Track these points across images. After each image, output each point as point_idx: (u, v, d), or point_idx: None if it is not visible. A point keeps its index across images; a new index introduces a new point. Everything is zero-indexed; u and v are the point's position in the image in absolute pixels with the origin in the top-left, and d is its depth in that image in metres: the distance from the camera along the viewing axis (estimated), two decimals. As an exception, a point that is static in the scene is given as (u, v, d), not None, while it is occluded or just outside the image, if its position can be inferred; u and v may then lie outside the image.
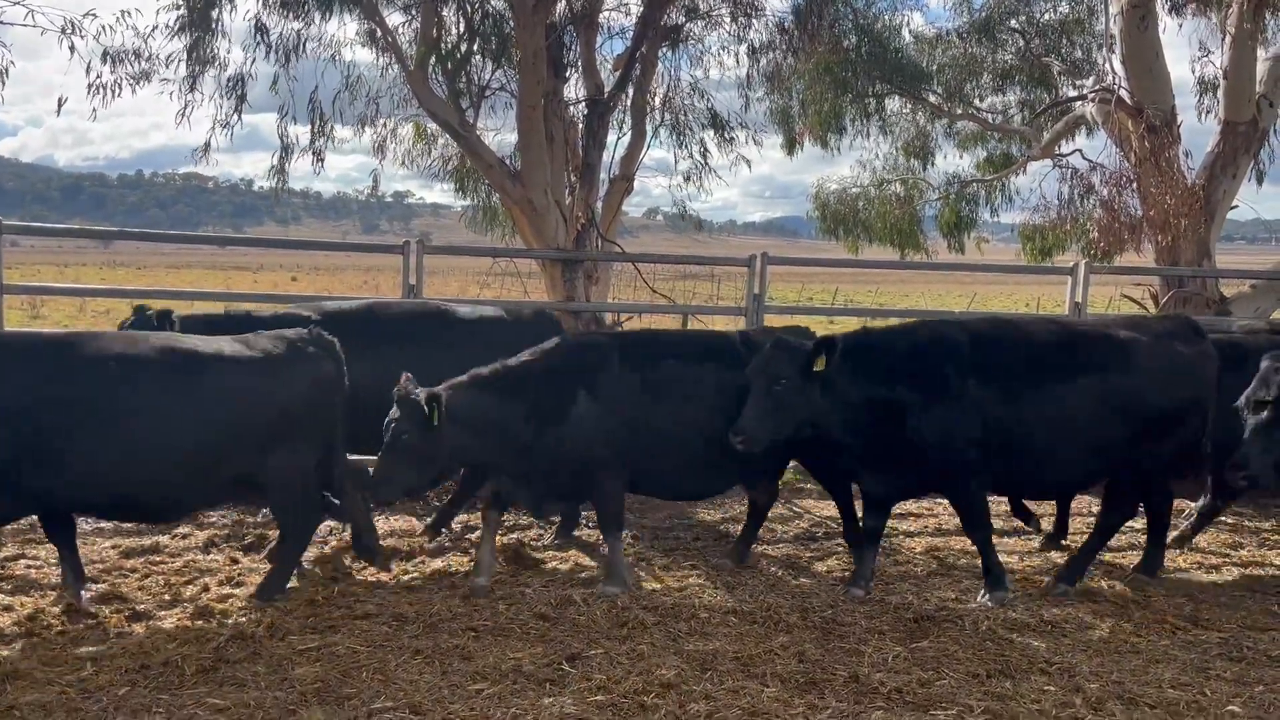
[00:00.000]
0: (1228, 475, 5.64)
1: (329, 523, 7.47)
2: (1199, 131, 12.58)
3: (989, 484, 6.34)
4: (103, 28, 10.05)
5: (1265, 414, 5.53)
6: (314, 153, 12.14)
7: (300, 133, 11.99)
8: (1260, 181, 13.71)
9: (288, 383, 5.72)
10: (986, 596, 6.00)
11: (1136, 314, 7.13)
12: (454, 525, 7.37)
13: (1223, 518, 8.13)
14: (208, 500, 6.09)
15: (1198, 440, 6.46)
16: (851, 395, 5.95)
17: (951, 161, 18.01)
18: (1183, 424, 6.32)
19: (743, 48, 13.57)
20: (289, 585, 5.94)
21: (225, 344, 5.71)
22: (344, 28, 11.97)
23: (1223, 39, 11.49)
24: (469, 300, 8.77)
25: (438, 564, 6.59)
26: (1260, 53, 11.29)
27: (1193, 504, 7.48)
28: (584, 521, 7.68)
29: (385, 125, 13.15)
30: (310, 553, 6.78)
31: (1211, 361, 6.42)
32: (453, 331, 7.18)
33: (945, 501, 8.18)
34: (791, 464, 7.29)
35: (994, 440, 5.99)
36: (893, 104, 16.41)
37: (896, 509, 8.11)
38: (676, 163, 13.70)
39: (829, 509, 7.79)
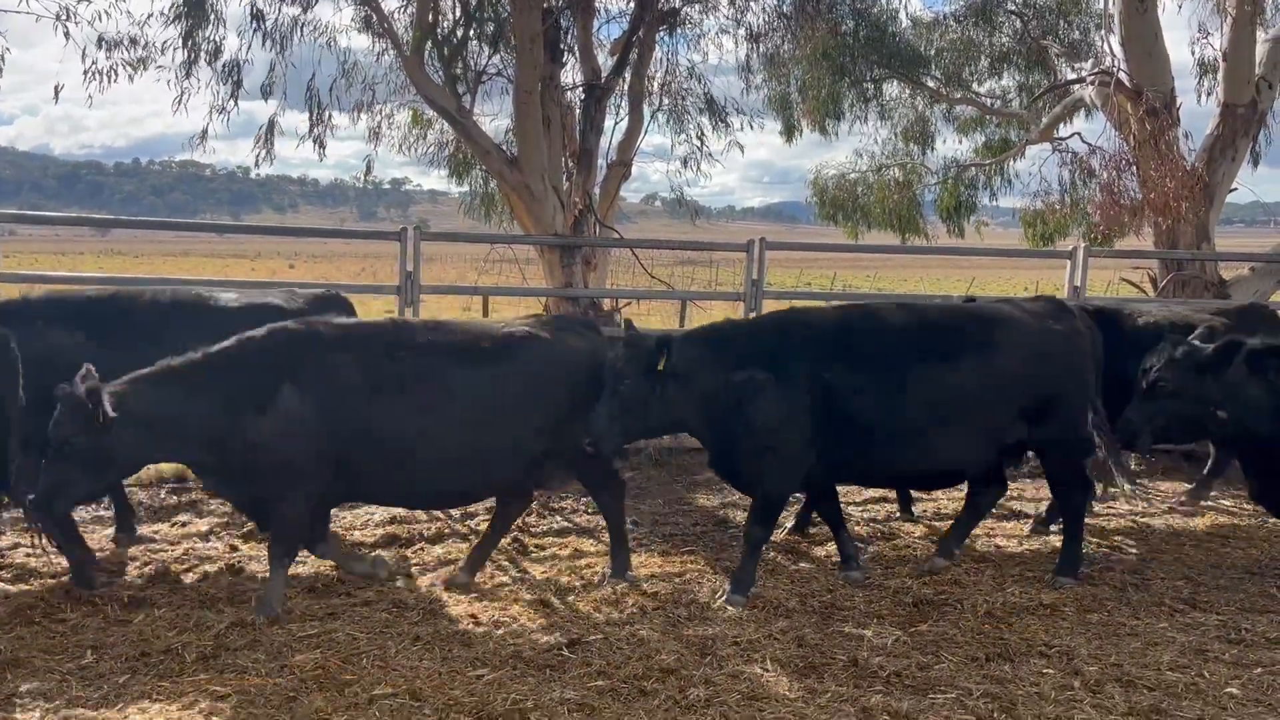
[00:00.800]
0: (1117, 433, 6.01)
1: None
2: (1198, 114, 12.55)
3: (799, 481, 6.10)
4: (98, 14, 10.03)
5: (1144, 383, 5.92)
6: (314, 139, 12.10)
7: (297, 119, 11.95)
8: (1257, 164, 13.69)
9: None
10: (724, 597, 5.67)
11: (1007, 298, 7.09)
12: (454, 511, 7.37)
13: (1222, 500, 8.17)
14: None
15: (1082, 418, 6.27)
16: (708, 390, 5.74)
17: (950, 146, 18.03)
18: (1060, 405, 6.09)
19: (741, 32, 13.55)
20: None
21: None
22: (339, 13, 11.93)
23: (1222, 20, 11.45)
24: (296, 283, 8.46)
25: (437, 550, 6.59)
26: (1259, 34, 11.25)
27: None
28: (582, 507, 7.70)
29: (381, 111, 13.12)
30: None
31: (1083, 339, 6.25)
32: (207, 322, 6.26)
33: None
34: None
35: (857, 430, 5.76)
36: (891, 89, 16.39)
37: (891, 493, 8.16)
38: (673, 147, 13.69)
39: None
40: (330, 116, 12.06)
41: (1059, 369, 6.12)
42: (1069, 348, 6.20)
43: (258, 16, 10.93)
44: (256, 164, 12.22)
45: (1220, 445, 7.79)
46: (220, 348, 5.33)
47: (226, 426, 5.17)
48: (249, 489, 5.42)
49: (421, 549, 6.64)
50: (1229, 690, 4.65)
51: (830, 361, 5.76)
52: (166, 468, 8.30)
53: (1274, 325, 7.64)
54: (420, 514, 7.38)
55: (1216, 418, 5.80)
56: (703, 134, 13.69)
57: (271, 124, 11.95)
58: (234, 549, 6.59)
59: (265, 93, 11.57)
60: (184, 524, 7.04)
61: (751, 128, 14.13)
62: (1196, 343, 5.92)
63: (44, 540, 5.65)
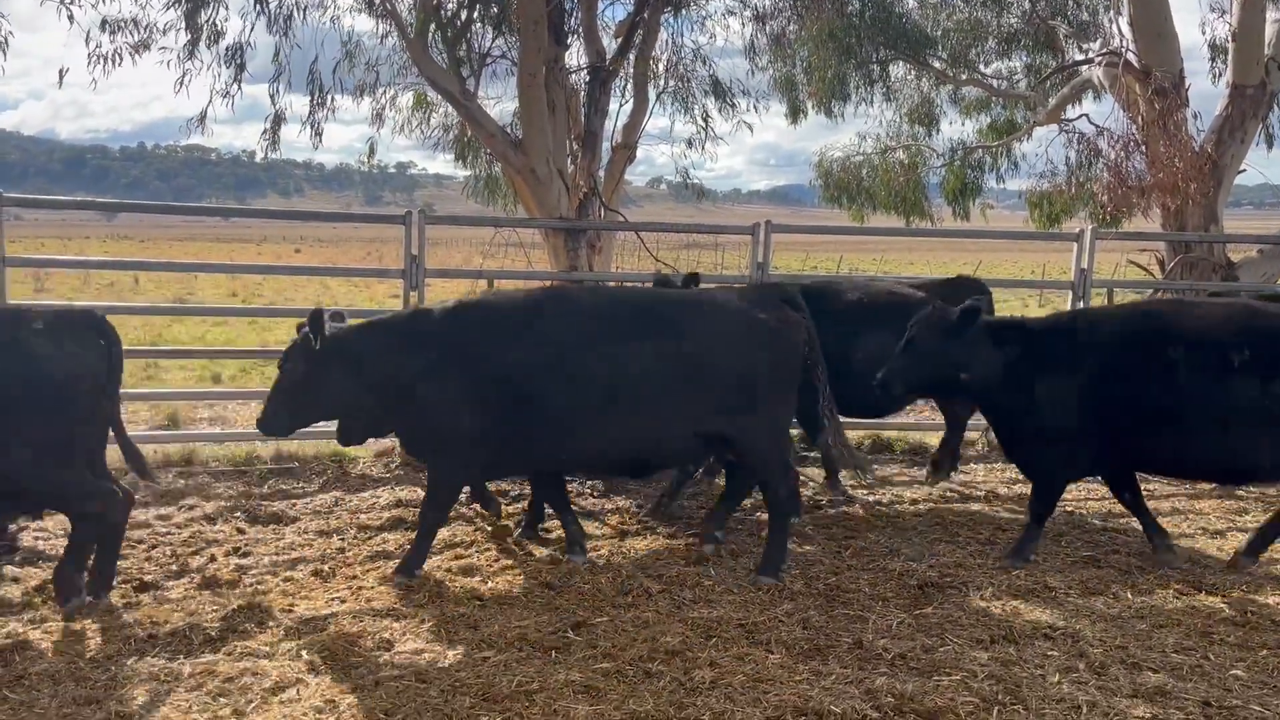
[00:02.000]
0: (876, 385, 6.36)
1: (335, 493, 7.54)
2: (1209, 96, 12.45)
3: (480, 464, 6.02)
4: (101, -4, 9.95)
5: (902, 342, 6.37)
6: (312, 125, 12.03)
7: (300, 102, 11.88)
8: (1270, 145, 13.61)
9: None
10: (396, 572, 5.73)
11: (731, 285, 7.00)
12: (459, 495, 7.38)
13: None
14: None
15: (784, 410, 6.15)
16: (382, 374, 5.71)
17: (956, 128, 17.91)
18: (758, 396, 5.83)
19: (746, 12, 13.46)
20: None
21: None
22: (342, -8, 11.80)
23: (1232, 0, 11.34)
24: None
25: (443, 533, 6.61)
26: (1270, 14, 11.15)
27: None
28: (588, 491, 7.71)
29: (385, 94, 13.03)
30: (315, 525, 6.83)
31: (798, 329, 6.05)
32: None
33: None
34: (795, 431, 7.26)
35: (537, 414, 5.64)
36: (897, 70, 16.25)
37: (897, 476, 8.16)
38: (673, 126, 13.63)
39: (833, 477, 7.79)
40: (333, 99, 11.95)
41: (759, 360, 5.81)
42: (773, 339, 5.88)
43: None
44: (266, 154, 12.15)
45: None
46: None
47: None
48: None
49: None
50: (1234, 672, 4.65)
51: (514, 347, 5.64)
52: (174, 450, 8.34)
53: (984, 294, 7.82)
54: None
55: (960, 379, 6.24)
56: (708, 116, 13.62)
57: (279, 115, 11.86)
58: (241, 532, 6.62)
59: (281, 83, 11.46)
60: (190, 507, 7.06)
61: (757, 109, 14.04)
62: (948, 309, 6.29)
63: None
